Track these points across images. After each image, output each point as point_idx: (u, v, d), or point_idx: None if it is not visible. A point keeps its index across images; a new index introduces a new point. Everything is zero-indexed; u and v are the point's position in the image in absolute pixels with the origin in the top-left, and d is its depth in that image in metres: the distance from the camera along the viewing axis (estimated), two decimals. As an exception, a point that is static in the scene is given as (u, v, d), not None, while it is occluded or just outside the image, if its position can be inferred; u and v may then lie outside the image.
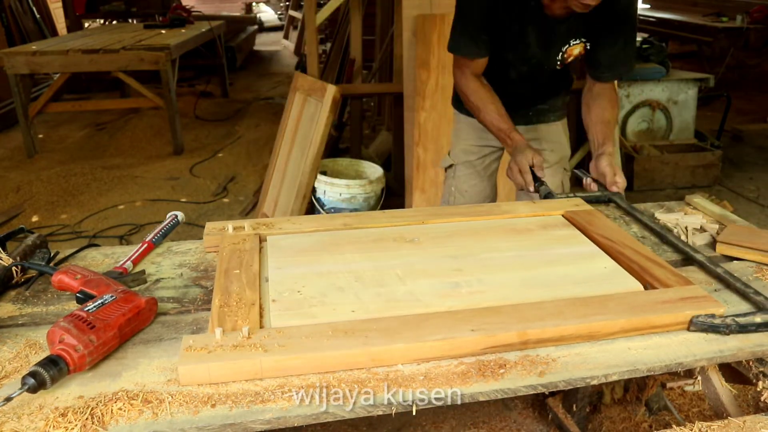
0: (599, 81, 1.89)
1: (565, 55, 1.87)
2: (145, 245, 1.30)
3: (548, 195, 1.60)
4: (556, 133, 2.14)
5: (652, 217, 1.51)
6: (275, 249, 1.25)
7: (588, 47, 1.85)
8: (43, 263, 1.24)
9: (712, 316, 1.03)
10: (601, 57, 1.84)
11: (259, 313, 1.02)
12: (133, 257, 1.27)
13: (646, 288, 1.12)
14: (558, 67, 1.93)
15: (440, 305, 1.05)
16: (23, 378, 0.85)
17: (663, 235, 1.38)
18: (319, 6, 3.81)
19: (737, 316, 1.04)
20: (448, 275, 1.15)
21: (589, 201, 1.52)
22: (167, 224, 1.37)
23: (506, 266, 1.19)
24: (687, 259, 1.29)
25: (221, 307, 1.03)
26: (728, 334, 1.02)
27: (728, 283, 1.18)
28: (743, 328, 1.02)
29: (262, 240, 1.30)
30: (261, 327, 0.99)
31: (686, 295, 1.06)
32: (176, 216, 1.40)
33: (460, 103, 2.04)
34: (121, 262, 1.25)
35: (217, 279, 1.12)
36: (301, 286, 1.10)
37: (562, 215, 1.43)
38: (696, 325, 1.02)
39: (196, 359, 0.89)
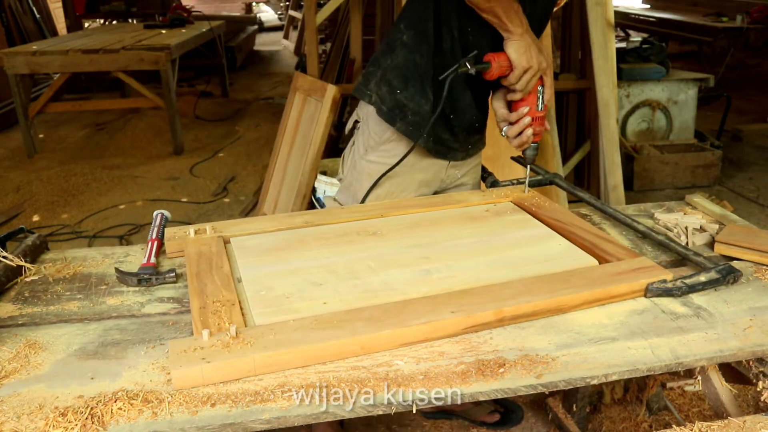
0: None
1: None
2: (156, 242, 1.31)
3: (494, 183, 1.67)
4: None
5: (650, 217, 1.51)
6: (242, 250, 1.26)
7: None
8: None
9: (664, 281, 1.12)
10: None
11: (240, 312, 1.03)
12: (154, 254, 1.28)
13: (600, 262, 1.21)
14: None
15: (416, 292, 1.09)
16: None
17: (610, 213, 1.47)
18: (319, 6, 3.81)
19: (684, 278, 1.14)
20: (418, 263, 1.20)
21: (532, 185, 1.60)
22: (161, 222, 1.38)
23: (470, 252, 1.25)
24: (634, 231, 1.40)
25: (201, 309, 1.03)
26: (680, 296, 1.12)
27: (668, 246, 1.29)
28: (692, 288, 1.13)
29: (225, 242, 1.30)
30: (245, 326, 1.00)
31: (637, 266, 1.16)
32: (163, 213, 1.41)
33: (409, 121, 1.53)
34: (145, 260, 1.25)
35: (191, 283, 1.12)
36: (276, 284, 1.12)
37: (511, 201, 1.52)
38: (651, 292, 1.12)
39: (188, 362, 0.89)
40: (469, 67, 1.37)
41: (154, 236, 1.33)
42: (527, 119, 1.43)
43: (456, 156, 1.65)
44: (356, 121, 1.66)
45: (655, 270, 1.15)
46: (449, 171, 1.67)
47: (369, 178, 1.58)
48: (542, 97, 1.44)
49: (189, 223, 3.74)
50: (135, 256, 1.32)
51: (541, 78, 1.42)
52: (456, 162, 1.66)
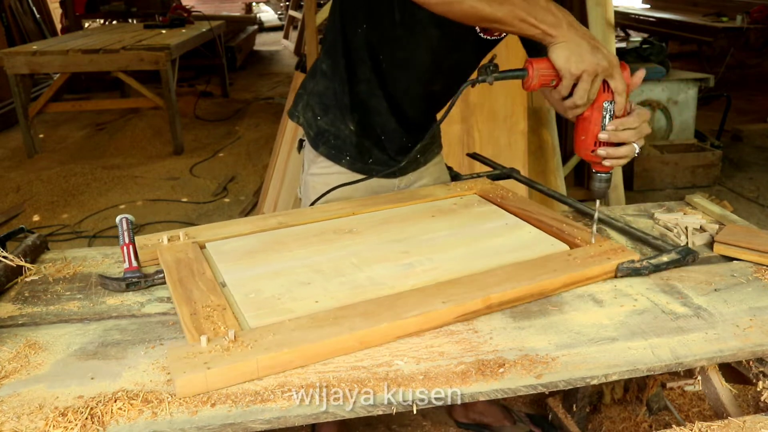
0: None
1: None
2: (130, 246, 1.28)
3: (457, 177, 1.69)
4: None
5: (652, 214, 1.51)
6: (220, 254, 1.24)
7: None
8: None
9: (632, 261, 1.20)
10: None
11: (233, 316, 1.02)
12: (133, 257, 1.25)
13: (570, 246, 1.26)
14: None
15: (404, 285, 1.11)
16: None
17: (565, 201, 1.56)
18: (319, 6, 3.81)
19: (649, 258, 1.22)
20: (399, 258, 1.21)
21: (492, 178, 1.66)
22: (128, 226, 1.34)
23: (447, 244, 1.27)
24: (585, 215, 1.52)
25: (193, 315, 1.02)
26: (648, 275, 1.20)
27: (629, 232, 1.39)
28: (657, 268, 1.21)
29: (201, 247, 1.29)
30: (240, 330, 0.99)
31: (607, 248, 1.23)
32: (126, 218, 1.37)
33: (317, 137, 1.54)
34: (127, 264, 1.23)
35: (174, 290, 1.10)
36: (263, 286, 1.11)
37: (476, 194, 1.55)
38: (621, 271, 1.19)
39: (191, 368, 0.88)
40: (487, 75, 1.13)
41: (127, 240, 1.28)
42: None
43: (405, 169, 1.60)
44: (301, 140, 1.63)
45: (624, 251, 1.22)
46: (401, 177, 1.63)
47: (314, 192, 1.57)
48: (609, 115, 1.13)
49: (190, 224, 3.76)
50: (135, 256, 1.32)
51: (606, 85, 1.11)
52: (405, 174, 1.62)
